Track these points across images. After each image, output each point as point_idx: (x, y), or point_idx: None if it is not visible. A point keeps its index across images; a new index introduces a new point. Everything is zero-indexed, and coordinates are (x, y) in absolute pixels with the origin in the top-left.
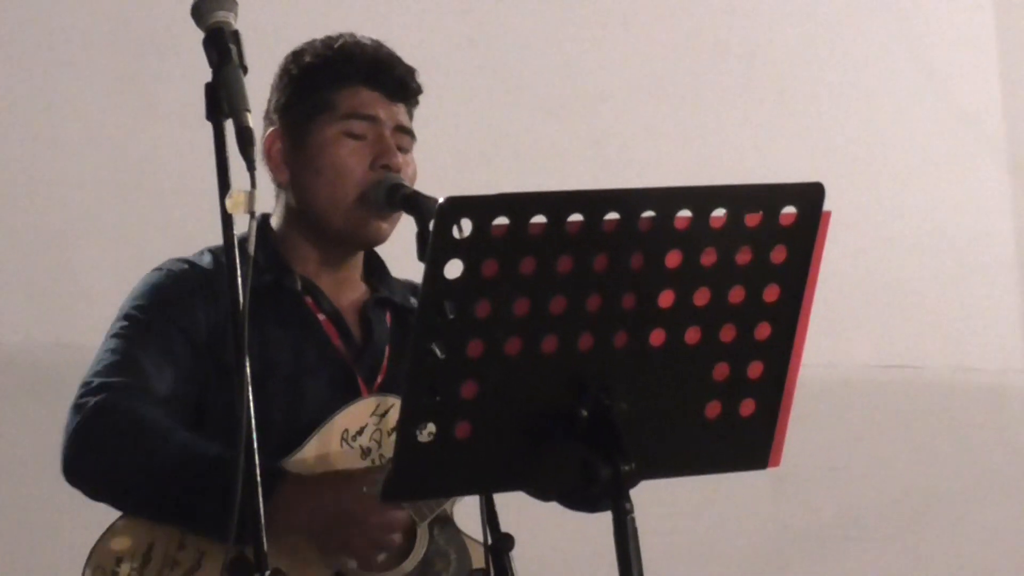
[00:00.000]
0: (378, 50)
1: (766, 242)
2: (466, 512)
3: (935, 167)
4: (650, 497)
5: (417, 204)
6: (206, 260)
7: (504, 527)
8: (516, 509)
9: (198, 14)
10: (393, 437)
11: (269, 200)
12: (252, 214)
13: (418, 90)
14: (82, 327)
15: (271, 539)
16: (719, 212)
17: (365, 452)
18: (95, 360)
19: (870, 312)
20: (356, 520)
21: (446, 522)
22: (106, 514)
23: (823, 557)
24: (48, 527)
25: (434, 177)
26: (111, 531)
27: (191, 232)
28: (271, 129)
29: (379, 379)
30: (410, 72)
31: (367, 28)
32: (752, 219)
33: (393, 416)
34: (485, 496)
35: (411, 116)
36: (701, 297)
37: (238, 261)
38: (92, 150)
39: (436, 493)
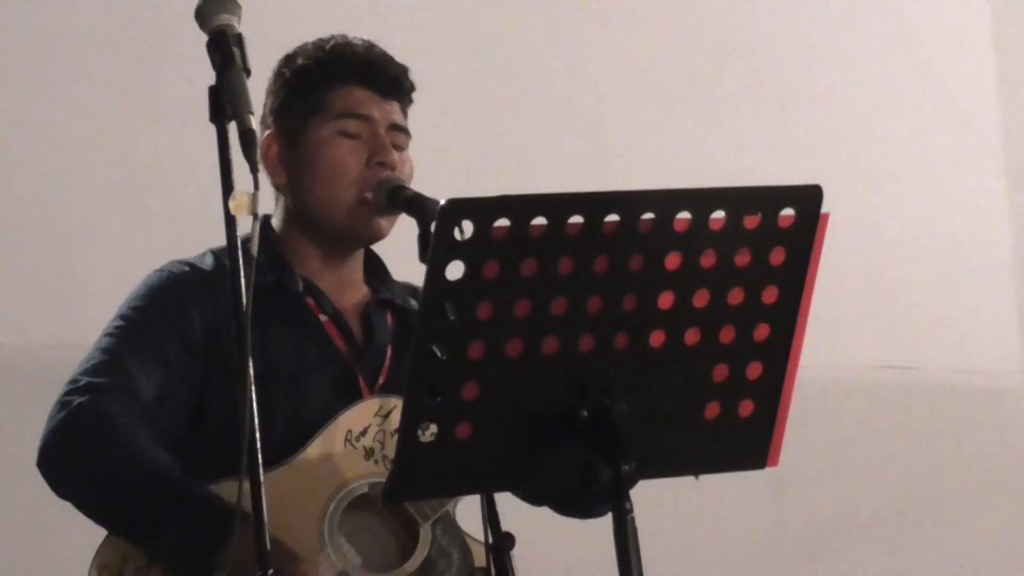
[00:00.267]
0: (370, 50)
1: (765, 244)
2: (467, 511)
3: (933, 169)
4: (650, 497)
5: (419, 206)
6: (207, 261)
7: (504, 526)
8: (516, 509)
9: (202, 17)
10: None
11: (271, 202)
12: (255, 216)
13: (411, 88)
14: (84, 329)
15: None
16: (718, 214)
17: (368, 453)
18: (86, 358)
19: (868, 313)
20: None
21: (448, 522)
22: None
23: (822, 557)
24: (49, 527)
25: (435, 178)
26: None
27: (194, 234)
28: (267, 132)
29: (381, 380)
30: (403, 70)
31: (368, 30)
32: (751, 221)
33: (396, 417)
34: (486, 496)
35: (406, 114)
36: (700, 298)
37: (241, 262)
38: (95, 152)
39: (437, 493)
